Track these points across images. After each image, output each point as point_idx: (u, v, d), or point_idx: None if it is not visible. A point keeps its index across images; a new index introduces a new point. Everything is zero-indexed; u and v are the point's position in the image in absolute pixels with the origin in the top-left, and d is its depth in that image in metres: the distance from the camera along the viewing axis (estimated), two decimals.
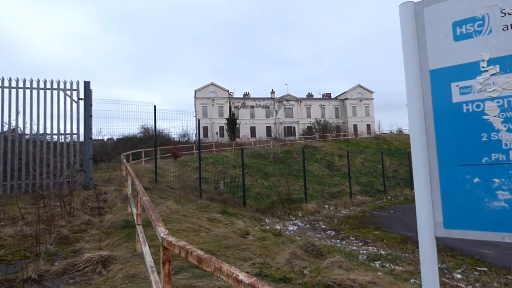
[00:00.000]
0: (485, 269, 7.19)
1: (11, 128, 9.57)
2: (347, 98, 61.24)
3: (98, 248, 5.12)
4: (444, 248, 8.60)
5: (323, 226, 13.11)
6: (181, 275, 4.18)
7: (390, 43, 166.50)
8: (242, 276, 1.51)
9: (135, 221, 4.94)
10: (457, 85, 1.55)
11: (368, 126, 60.42)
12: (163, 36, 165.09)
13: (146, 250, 3.66)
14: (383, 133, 54.65)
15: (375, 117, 62.70)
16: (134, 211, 5.19)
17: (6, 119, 9.51)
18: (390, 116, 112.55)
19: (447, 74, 1.59)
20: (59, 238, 5.66)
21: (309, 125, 53.90)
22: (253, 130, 56.50)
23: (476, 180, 1.47)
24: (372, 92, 63.14)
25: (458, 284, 6.22)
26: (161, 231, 2.40)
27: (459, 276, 6.90)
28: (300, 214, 15.59)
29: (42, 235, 5.38)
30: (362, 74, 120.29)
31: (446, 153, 1.59)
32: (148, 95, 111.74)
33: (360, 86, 62.50)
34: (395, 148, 37.31)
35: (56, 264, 4.54)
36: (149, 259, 3.35)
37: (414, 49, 1.71)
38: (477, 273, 6.97)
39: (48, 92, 10.02)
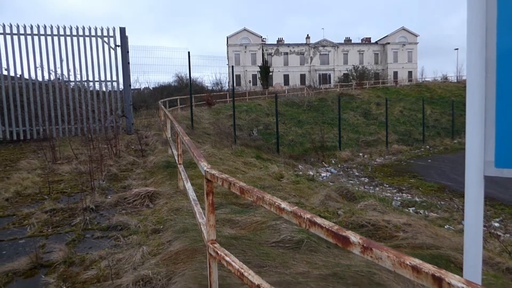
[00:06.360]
0: None
1: (57, 76, 10.09)
2: (389, 43, 56.82)
3: (144, 185, 5.55)
4: (484, 197, 8.37)
5: (356, 173, 13.13)
6: (220, 210, 4.48)
7: None
8: (284, 204, 1.57)
9: (176, 161, 5.23)
10: None
11: (410, 73, 56.48)
12: None
13: (188, 185, 3.90)
14: (425, 80, 51.00)
15: (418, 64, 58.20)
16: (175, 152, 5.47)
17: (52, 67, 10.00)
18: (434, 63, 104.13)
19: None
20: (109, 175, 6.19)
21: (346, 72, 51.38)
22: (286, 78, 55.06)
23: None
24: (417, 36, 57.90)
25: (496, 232, 6.14)
26: (204, 165, 2.51)
27: (496, 224, 6.80)
28: (333, 161, 15.65)
29: (95, 172, 5.92)
30: (404, 17, 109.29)
31: (506, 90, 1.49)
32: (175, 45, 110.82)
33: (404, 29, 57.35)
34: (438, 96, 35.04)
35: (109, 197, 5.03)
36: (191, 193, 3.58)
37: None
38: None
39: (87, 39, 10.25)
